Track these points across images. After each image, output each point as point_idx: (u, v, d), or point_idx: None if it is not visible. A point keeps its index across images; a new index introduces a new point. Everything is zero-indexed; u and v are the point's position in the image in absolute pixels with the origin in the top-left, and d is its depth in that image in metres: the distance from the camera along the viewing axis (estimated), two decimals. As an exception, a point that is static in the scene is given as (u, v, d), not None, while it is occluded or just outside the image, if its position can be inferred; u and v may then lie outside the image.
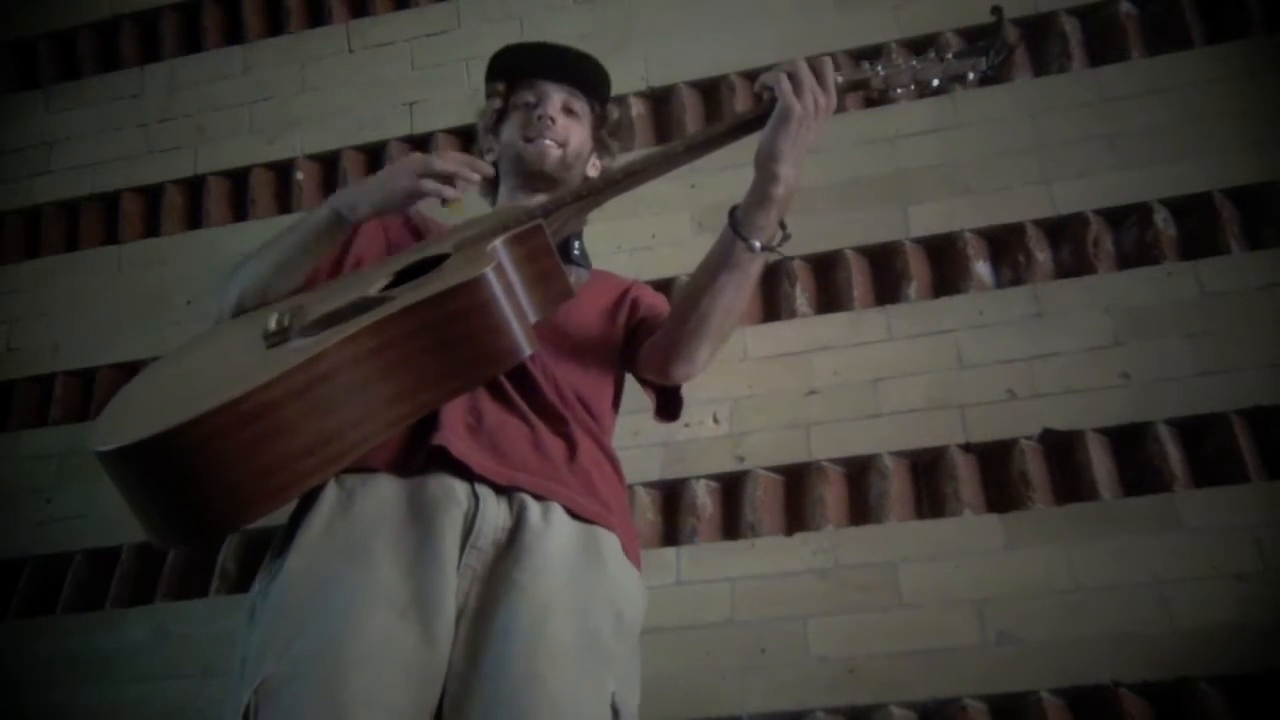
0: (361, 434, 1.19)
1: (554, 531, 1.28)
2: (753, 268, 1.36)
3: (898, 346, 2.10)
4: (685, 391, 1.54)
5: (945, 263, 2.18)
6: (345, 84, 2.65)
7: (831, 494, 2.01)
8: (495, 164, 1.63)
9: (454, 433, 1.30)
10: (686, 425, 2.04)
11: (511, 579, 1.22)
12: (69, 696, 2.14)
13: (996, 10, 1.33)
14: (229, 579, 2.19)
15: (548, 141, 1.58)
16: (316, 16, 2.77)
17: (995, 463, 1.98)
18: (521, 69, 1.66)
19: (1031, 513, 1.90)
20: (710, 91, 2.45)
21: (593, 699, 1.19)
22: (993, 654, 1.80)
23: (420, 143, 2.56)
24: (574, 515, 1.31)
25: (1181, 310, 1.99)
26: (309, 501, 1.28)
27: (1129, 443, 1.94)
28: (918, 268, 2.17)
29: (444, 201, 1.34)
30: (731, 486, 2.08)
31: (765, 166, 1.30)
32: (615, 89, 1.74)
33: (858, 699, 1.82)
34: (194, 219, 2.65)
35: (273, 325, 1.27)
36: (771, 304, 2.23)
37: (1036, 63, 2.29)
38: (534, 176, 1.58)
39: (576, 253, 1.59)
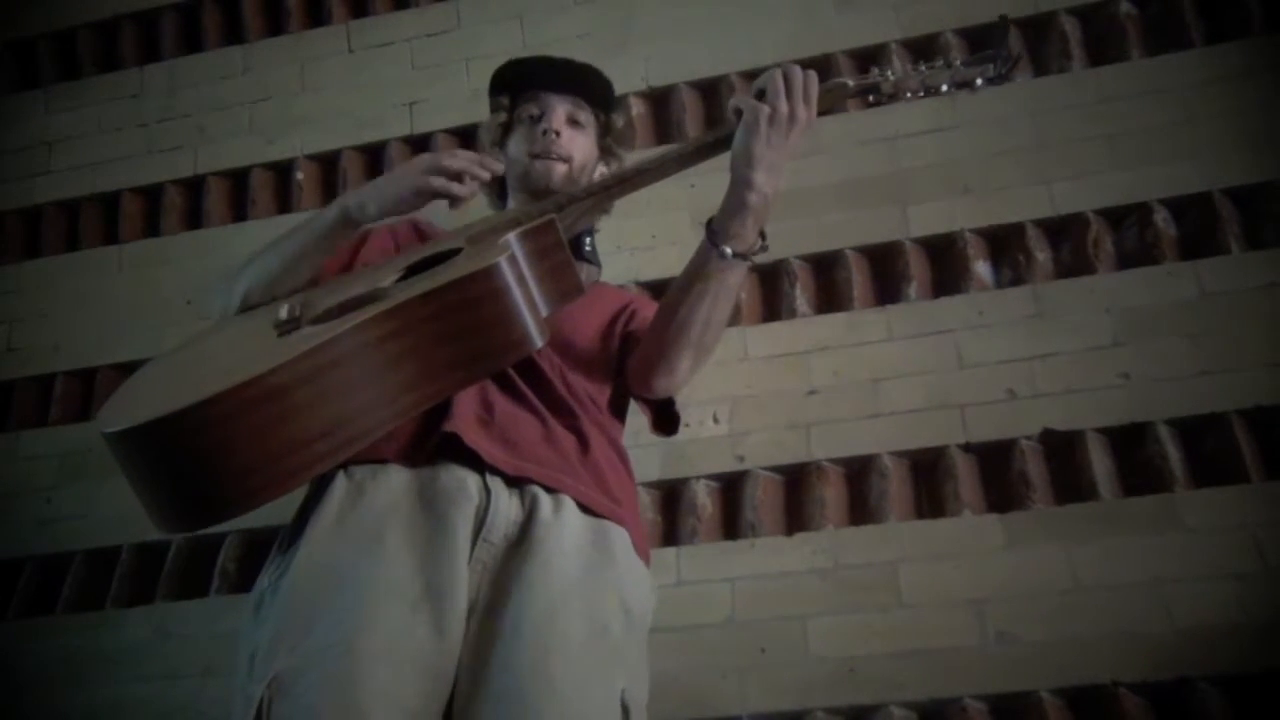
0: (371, 421, 1.18)
1: (565, 526, 1.28)
2: (730, 278, 1.34)
3: (898, 346, 2.09)
4: (680, 404, 1.53)
5: (945, 263, 2.18)
6: (345, 84, 2.65)
7: (831, 494, 2.01)
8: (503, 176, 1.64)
9: (465, 423, 1.30)
10: (686, 425, 2.00)
11: (522, 574, 1.22)
12: (69, 696, 2.14)
13: (1003, 19, 1.34)
14: (229, 579, 2.19)
15: (553, 159, 1.58)
16: (316, 16, 2.76)
17: (995, 463, 1.98)
18: (525, 81, 1.66)
19: (1031, 513, 1.90)
20: (710, 92, 2.45)
21: (602, 696, 1.19)
22: (992, 654, 1.80)
23: (420, 143, 2.55)
24: (585, 509, 1.31)
25: (1181, 310, 1.99)
26: (318, 494, 1.28)
27: (1129, 443, 1.94)
28: (918, 268, 2.17)
29: (451, 203, 1.34)
30: (731, 486, 2.08)
31: (737, 170, 1.30)
32: (615, 89, 1.73)
33: (858, 699, 1.82)
34: (194, 219, 2.65)
35: (284, 314, 1.27)
36: (771, 304, 2.23)
37: (1036, 63, 2.29)
38: (541, 194, 1.57)
39: (588, 249, 1.59)
